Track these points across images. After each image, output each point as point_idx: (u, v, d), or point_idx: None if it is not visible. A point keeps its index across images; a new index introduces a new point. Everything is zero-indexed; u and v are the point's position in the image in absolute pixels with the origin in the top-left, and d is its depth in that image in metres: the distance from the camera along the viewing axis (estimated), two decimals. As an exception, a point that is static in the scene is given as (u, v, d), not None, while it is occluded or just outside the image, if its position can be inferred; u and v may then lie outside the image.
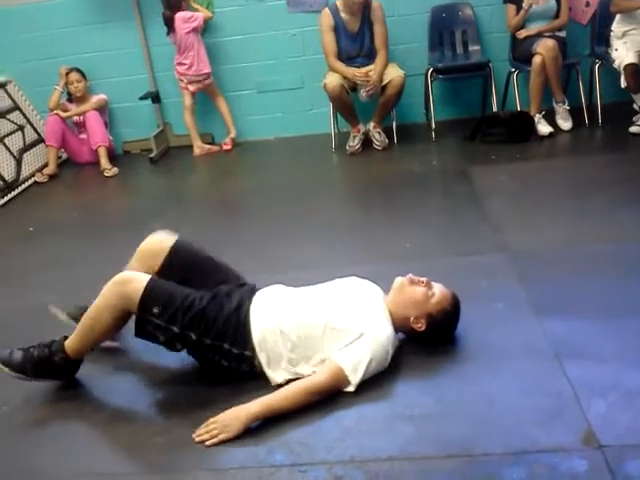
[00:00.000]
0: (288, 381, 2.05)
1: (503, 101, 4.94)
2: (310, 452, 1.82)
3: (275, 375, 2.08)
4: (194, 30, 4.87)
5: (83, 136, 5.21)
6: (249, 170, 4.88)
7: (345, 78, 4.52)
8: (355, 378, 2.00)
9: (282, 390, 1.99)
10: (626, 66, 4.25)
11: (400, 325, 2.17)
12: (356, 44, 4.62)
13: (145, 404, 2.14)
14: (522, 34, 4.64)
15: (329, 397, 1.98)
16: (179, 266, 2.26)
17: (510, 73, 4.81)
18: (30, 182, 4.97)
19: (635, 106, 4.42)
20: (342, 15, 4.59)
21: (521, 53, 4.66)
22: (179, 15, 4.83)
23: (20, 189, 4.84)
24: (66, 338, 2.18)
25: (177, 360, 2.26)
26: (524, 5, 4.55)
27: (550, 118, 4.53)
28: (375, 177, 4.26)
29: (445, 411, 1.92)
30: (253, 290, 2.25)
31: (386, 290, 2.25)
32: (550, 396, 1.92)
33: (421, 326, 2.15)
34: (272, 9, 5.06)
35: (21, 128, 5.17)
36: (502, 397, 1.94)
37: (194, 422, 1.95)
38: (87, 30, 5.16)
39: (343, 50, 4.62)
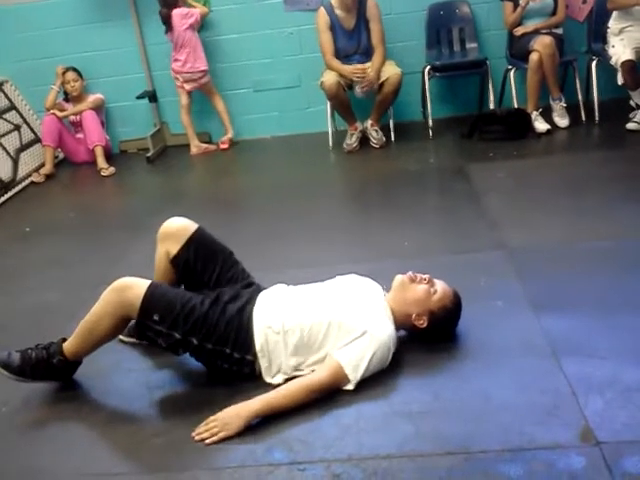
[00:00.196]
0: (287, 380, 2.05)
1: (500, 98, 4.93)
2: (309, 450, 1.82)
3: (273, 380, 2.08)
4: (191, 26, 4.87)
5: (80, 136, 5.19)
6: (246, 169, 4.87)
7: (342, 76, 4.52)
8: (355, 376, 2.00)
9: (282, 388, 2.00)
10: (623, 63, 4.25)
11: (401, 322, 2.17)
12: (353, 41, 4.62)
13: (144, 404, 2.13)
14: (519, 31, 4.64)
15: (328, 395, 1.98)
16: (197, 255, 2.25)
17: (507, 70, 4.81)
18: (27, 182, 4.95)
19: (632, 103, 4.42)
20: (337, 12, 4.58)
21: (518, 50, 4.66)
22: (176, 11, 4.83)
23: (17, 189, 4.83)
24: (64, 340, 2.17)
25: (176, 360, 2.25)
26: (521, 2, 4.55)
27: (547, 115, 4.53)
28: (372, 175, 4.26)
29: (443, 408, 1.92)
30: (257, 291, 2.24)
31: (385, 288, 2.25)
32: (547, 393, 1.92)
33: (423, 323, 2.15)
34: (269, 7, 5.05)
35: (17, 128, 5.16)
36: (499, 394, 1.95)
37: (193, 422, 1.95)
38: (83, 29, 5.15)
39: (340, 48, 4.61)
